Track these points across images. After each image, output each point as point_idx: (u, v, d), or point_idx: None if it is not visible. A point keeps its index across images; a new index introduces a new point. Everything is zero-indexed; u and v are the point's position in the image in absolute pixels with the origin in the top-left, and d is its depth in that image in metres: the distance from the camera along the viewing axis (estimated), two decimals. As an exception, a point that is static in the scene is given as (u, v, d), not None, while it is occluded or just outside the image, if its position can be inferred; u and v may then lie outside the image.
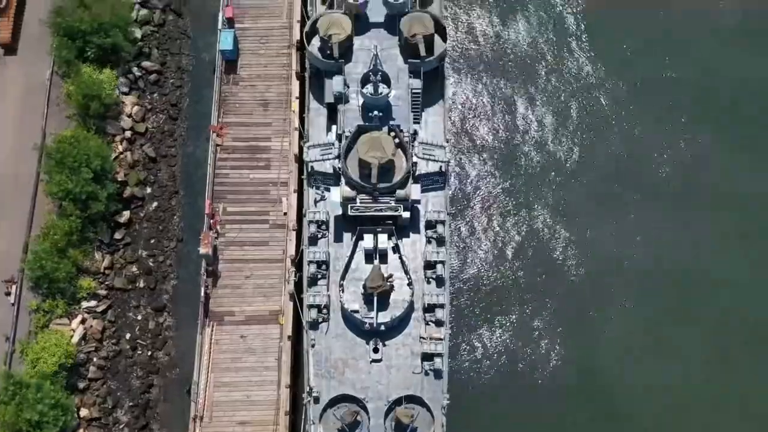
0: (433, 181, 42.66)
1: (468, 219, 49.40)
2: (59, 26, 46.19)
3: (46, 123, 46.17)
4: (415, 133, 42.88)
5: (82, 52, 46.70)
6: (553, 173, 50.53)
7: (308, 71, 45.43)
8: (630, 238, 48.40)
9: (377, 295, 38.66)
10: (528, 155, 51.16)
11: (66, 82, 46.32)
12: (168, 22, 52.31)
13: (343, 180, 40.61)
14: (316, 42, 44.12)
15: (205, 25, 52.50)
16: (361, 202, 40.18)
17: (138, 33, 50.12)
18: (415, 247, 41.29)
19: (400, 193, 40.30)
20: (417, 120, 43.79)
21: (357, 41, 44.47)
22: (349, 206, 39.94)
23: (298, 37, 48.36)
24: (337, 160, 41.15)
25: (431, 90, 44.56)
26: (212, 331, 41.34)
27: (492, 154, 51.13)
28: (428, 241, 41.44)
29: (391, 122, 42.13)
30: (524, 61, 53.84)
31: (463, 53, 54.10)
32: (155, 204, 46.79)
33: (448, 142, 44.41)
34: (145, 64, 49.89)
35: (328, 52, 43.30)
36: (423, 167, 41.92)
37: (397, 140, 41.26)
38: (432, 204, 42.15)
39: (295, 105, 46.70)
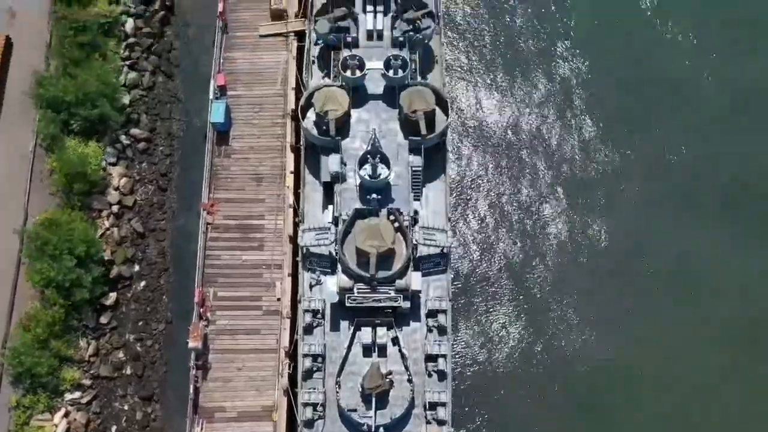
0: (435, 264, 40.63)
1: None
2: (42, 98, 44.16)
3: (28, 200, 44.03)
4: (416, 213, 40.94)
5: (66, 124, 44.68)
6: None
7: (303, 143, 43.47)
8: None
9: (375, 394, 36.70)
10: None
11: (50, 156, 44.26)
12: (158, 84, 50.25)
13: (339, 267, 38.60)
14: (311, 115, 42.15)
15: (196, 86, 50.42)
16: (358, 292, 38.20)
17: (126, 99, 48.03)
18: (415, 335, 39.31)
19: (399, 283, 38.32)
20: (417, 197, 41.83)
21: (355, 114, 42.49)
22: (346, 296, 38.00)
23: (293, 106, 46.34)
24: (333, 245, 39.18)
25: (432, 165, 42.57)
26: (202, 429, 39.17)
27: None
28: (429, 330, 39.50)
29: (390, 205, 40.13)
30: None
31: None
32: (143, 283, 44.71)
33: (450, 220, 42.57)
34: (134, 131, 47.83)
35: (324, 127, 41.32)
36: (424, 249, 39.92)
37: (396, 224, 39.36)
38: (433, 289, 40.18)
39: (290, 180, 44.60)
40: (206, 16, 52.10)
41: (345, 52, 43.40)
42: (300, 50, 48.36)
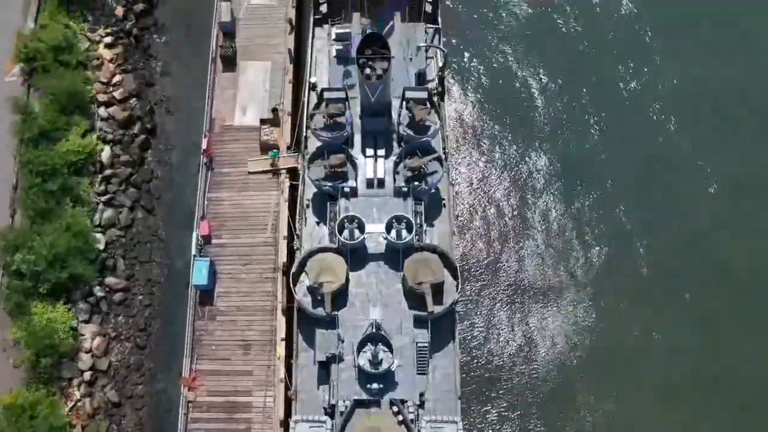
0: None
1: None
2: (9, 267, 39.84)
3: (-11, 374, 39.68)
4: (422, 395, 36.42)
5: (34, 287, 40.28)
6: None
7: (296, 305, 38.87)
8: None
9: None
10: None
11: (13, 325, 39.79)
12: (137, 221, 45.75)
13: (338, 471, 34.23)
14: (304, 279, 37.62)
15: (179, 220, 45.86)
16: None
17: (101, 243, 43.55)
18: None
19: None
20: (423, 371, 37.29)
21: (353, 277, 37.93)
22: None
23: (284, 259, 41.89)
24: None
25: (440, 333, 38.04)
26: None
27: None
28: None
29: (393, 393, 35.58)
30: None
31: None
32: (118, 463, 40.33)
33: (459, 399, 38.06)
34: (109, 281, 43.35)
35: (319, 297, 36.83)
36: None
37: (400, 417, 34.95)
38: None
39: (281, 350, 40.09)
40: (191, 135, 47.85)
41: (342, 203, 39.01)
42: (293, 188, 43.87)
